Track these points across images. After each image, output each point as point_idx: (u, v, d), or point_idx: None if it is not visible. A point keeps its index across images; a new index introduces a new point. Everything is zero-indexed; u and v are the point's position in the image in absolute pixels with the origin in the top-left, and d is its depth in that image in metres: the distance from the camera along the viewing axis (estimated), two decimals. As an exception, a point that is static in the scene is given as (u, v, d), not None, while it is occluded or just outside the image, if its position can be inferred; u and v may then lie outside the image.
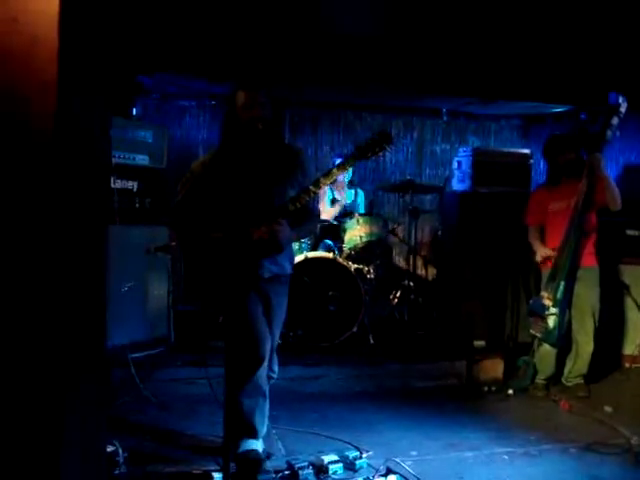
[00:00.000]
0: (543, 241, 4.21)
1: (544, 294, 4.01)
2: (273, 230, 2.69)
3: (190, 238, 2.92)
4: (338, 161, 2.95)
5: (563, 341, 4.02)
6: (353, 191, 5.68)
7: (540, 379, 4.17)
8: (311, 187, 2.73)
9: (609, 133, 3.84)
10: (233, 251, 2.75)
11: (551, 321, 3.97)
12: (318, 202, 3.15)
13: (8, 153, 1.65)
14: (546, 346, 4.08)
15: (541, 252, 4.16)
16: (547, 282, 4.02)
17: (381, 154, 2.75)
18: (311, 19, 4.28)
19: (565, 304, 3.96)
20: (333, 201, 5.54)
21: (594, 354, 4.15)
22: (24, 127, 1.65)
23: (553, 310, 3.96)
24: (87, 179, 1.83)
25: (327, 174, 2.75)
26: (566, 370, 4.20)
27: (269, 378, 3.04)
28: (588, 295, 4.07)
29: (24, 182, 1.66)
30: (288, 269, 2.99)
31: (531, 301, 4.14)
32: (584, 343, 4.11)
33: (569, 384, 4.18)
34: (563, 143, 4.23)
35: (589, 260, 4.07)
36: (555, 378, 4.21)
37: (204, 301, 3.16)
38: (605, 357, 4.42)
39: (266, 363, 2.89)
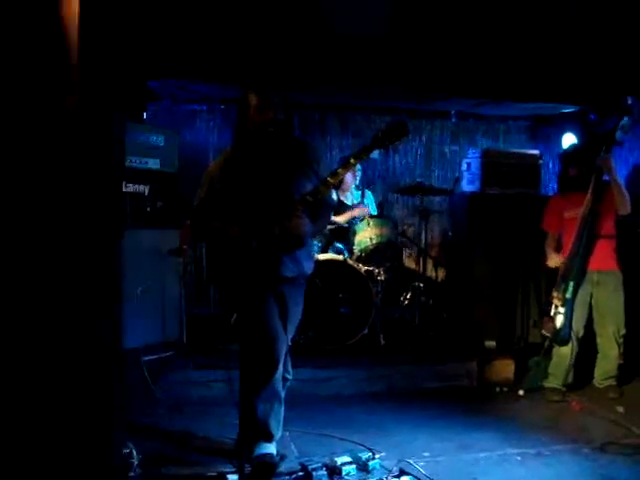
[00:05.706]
0: (560, 248, 4.19)
1: (554, 294, 4.04)
2: (294, 223, 2.68)
3: (213, 238, 2.90)
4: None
5: (570, 338, 4.02)
6: (359, 193, 5.66)
7: (556, 384, 4.12)
8: (329, 178, 2.72)
9: (620, 134, 3.83)
10: (254, 248, 2.72)
11: (559, 320, 3.99)
12: (332, 193, 3.13)
13: (24, 158, 1.68)
14: (561, 351, 4.07)
15: (550, 261, 4.19)
16: (558, 283, 4.03)
17: (397, 142, 2.74)
18: (318, 20, 4.29)
19: (573, 304, 3.99)
20: (340, 204, 5.52)
21: (629, 356, 4.13)
22: (41, 133, 1.67)
23: (561, 310, 3.99)
24: (103, 183, 1.86)
25: (344, 164, 2.76)
26: (596, 373, 4.21)
27: (285, 380, 3.05)
28: (608, 299, 4.06)
29: (40, 186, 1.69)
30: (307, 270, 2.95)
31: (544, 302, 4.18)
32: (606, 346, 4.10)
33: (600, 386, 4.17)
34: (575, 156, 4.23)
35: (609, 264, 4.06)
36: (574, 385, 4.18)
37: (223, 300, 3.15)
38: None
39: (282, 366, 2.89)
